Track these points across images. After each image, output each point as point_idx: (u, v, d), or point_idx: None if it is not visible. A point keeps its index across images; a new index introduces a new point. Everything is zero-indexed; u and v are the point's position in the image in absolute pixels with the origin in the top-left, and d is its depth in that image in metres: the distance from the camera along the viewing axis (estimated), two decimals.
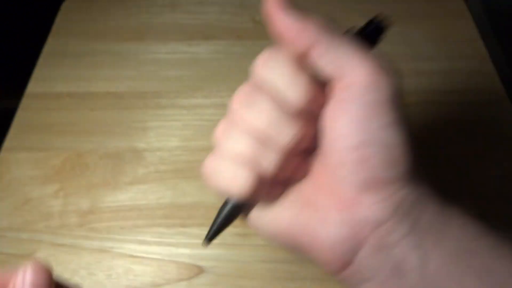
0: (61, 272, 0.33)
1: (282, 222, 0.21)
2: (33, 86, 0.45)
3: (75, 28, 0.51)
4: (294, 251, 0.22)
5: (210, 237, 0.22)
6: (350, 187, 0.19)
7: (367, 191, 0.18)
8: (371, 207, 0.18)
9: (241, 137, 0.20)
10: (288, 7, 0.19)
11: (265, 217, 0.21)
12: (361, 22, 0.22)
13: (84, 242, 0.35)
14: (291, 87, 0.19)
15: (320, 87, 0.20)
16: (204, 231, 0.35)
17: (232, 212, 0.22)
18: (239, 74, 0.46)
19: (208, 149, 0.22)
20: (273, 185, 0.21)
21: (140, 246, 0.34)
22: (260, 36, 0.49)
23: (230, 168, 0.20)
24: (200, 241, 0.35)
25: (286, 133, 0.19)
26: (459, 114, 0.43)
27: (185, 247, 0.34)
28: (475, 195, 0.37)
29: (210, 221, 0.33)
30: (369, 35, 0.21)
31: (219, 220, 0.22)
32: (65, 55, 0.48)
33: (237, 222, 0.37)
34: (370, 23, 0.22)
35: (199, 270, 0.33)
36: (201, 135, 0.41)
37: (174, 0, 0.54)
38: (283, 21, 0.19)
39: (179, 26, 0.51)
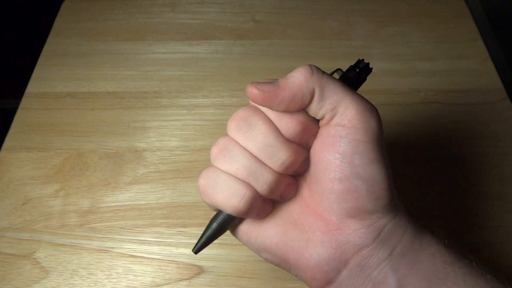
0: (61, 272, 0.33)
1: (271, 239, 0.22)
2: (33, 86, 0.45)
3: (75, 28, 0.51)
4: (279, 266, 0.23)
5: (198, 248, 0.23)
6: (335, 213, 0.21)
7: (351, 219, 0.21)
8: (354, 232, 0.21)
9: (238, 157, 0.21)
10: (263, 84, 0.21)
11: (253, 232, 0.23)
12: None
13: (84, 242, 0.35)
14: (284, 118, 0.21)
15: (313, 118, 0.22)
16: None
17: (222, 226, 0.23)
18: (239, 74, 0.46)
19: (208, 149, 0.22)
20: (264, 203, 0.22)
21: (140, 246, 0.34)
22: (260, 36, 0.49)
23: (228, 185, 0.21)
24: None
25: (278, 157, 0.21)
26: (459, 114, 0.43)
27: (185, 247, 0.34)
28: (475, 195, 0.37)
29: None
30: (354, 77, 0.23)
31: (209, 232, 0.23)
32: (65, 55, 0.48)
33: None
34: (355, 66, 0.24)
35: (199, 270, 0.33)
36: (201, 135, 0.41)
37: (174, 0, 0.54)
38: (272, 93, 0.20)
39: (179, 26, 0.51)
